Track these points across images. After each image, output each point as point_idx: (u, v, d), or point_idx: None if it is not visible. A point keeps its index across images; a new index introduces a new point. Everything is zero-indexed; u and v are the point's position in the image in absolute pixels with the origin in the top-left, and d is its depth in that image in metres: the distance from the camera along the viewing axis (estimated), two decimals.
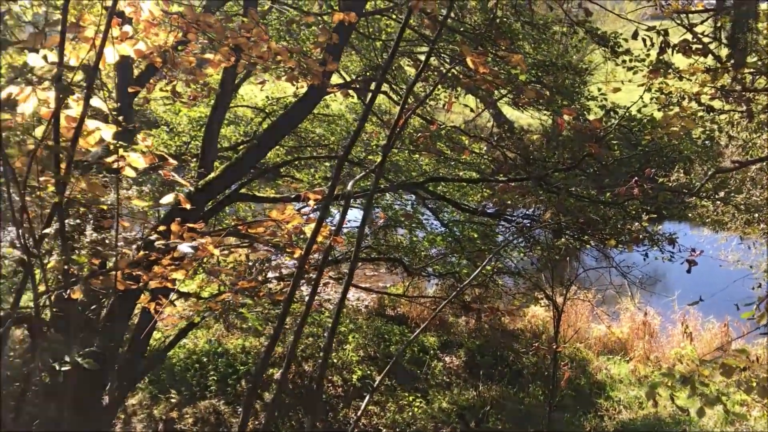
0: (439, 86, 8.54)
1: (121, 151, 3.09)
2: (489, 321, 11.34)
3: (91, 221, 6.52)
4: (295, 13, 9.07)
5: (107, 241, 6.72)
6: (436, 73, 8.29)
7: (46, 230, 2.92)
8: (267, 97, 11.24)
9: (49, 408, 4.31)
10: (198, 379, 8.93)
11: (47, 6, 8.57)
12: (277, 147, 9.79)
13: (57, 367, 2.77)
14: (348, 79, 11.04)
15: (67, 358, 2.79)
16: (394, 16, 8.89)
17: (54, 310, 4.11)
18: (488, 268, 8.36)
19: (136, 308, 7.07)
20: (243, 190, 8.46)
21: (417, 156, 9.72)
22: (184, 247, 3.36)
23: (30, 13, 8.24)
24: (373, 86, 10.16)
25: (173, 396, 8.55)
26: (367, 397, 4.31)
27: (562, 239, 8.58)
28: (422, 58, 11.02)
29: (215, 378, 8.96)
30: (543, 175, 7.68)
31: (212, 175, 7.22)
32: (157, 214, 7.80)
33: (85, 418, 6.43)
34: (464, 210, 8.38)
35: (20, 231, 3.02)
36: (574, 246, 8.92)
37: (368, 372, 9.66)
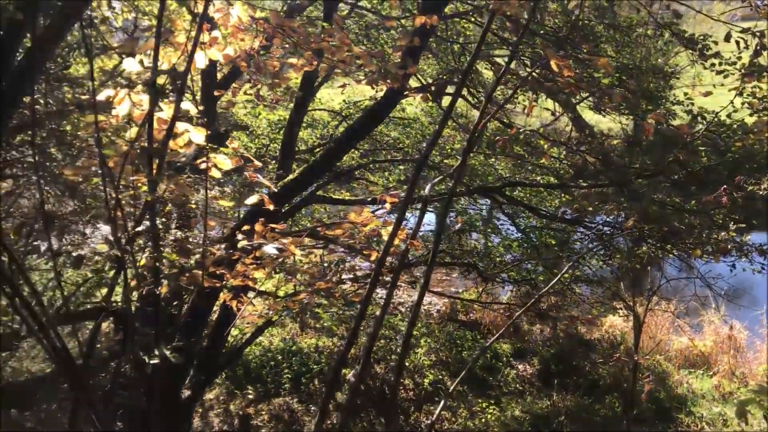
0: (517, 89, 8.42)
1: (211, 153, 3.19)
2: (564, 329, 11.10)
3: (175, 220, 6.76)
4: (373, 17, 9.13)
5: (191, 240, 6.94)
6: (514, 76, 8.18)
7: (139, 228, 3.04)
8: (344, 100, 11.37)
9: (135, 399, 4.48)
10: (273, 377, 9.12)
11: (136, 12, 8.95)
12: (352, 150, 9.89)
13: (147, 360, 2.87)
14: (424, 82, 11.04)
15: (156, 352, 2.90)
16: (472, 19, 8.83)
17: (140, 305, 4.27)
18: (566, 275, 8.18)
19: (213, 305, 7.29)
20: (319, 192, 8.58)
21: (492, 160, 9.62)
22: (270, 248, 3.44)
23: (120, 19, 8.63)
24: (448, 89, 10.12)
25: (249, 392, 8.75)
26: (442, 403, 4.30)
27: (644, 248, 8.30)
28: (500, 60, 10.90)
29: (289, 376, 9.12)
30: (625, 181, 7.47)
31: (290, 176, 7.36)
32: (237, 213, 8.02)
33: (166, 411, 6.66)
34: (541, 216, 8.24)
35: (114, 228, 3.15)
36: (656, 255, 8.62)
37: (440, 376, 9.62)
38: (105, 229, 8.83)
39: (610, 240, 8.18)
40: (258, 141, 11.17)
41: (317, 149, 11.26)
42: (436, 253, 4.38)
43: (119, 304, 3.88)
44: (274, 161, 8.69)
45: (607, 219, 8.69)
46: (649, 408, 9.31)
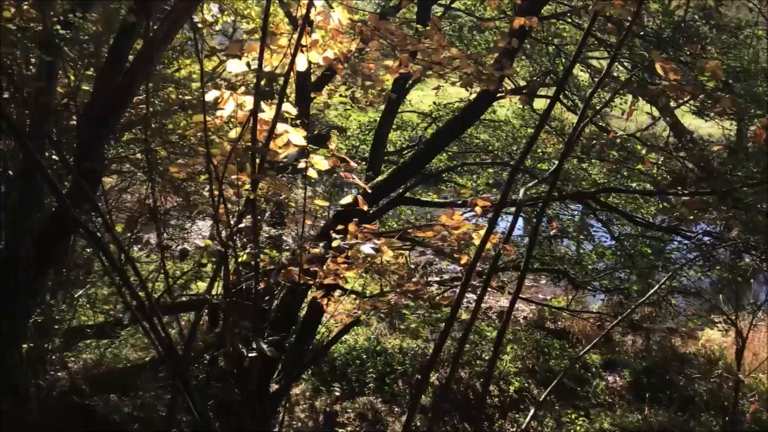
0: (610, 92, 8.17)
1: (312, 155, 3.26)
2: (659, 342, 10.67)
3: (267, 218, 6.94)
4: (467, 18, 9.10)
5: (283, 237, 7.10)
6: (611, 78, 7.94)
7: (241, 224, 3.15)
8: (434, 102, 11.37)
9: (228, 391, 4.63)
10: (357, 376, 9.21)
11: (236, 16, 9.25)
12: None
13: (245, 353, 2.97)
14: (515, 84, 10.89)
15: (253, 345, 2.98)
16: (569, 20, 8.63)
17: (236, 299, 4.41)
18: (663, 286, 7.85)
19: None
20: (407, 194, 8.61)
21: (586, 164, 9.39)
22: (366, 248, 3.48)
23: (220, 22, 8.95)
24: (540, 91, 9.94)
25: (334, 389, 8.87)
26: (531, 412, 4.21)
27: (747, 260, 7.87)
28: (595, 63, 10.61)
29: (373, 375, 9.19)
30: (728, 189, 7.10)
31: (380, 177, 7.43)
32: (327, 213, 8.16)
33: (255, 404, 6.85)
34: (637, 223, 7.94)
35: (216, 224, 3.28)
36: (761, 267, 8.15)
37: (526, 384, 9.44)
38: (200, 224, 9.12)
39: (710, 251, 7.79)
40: (348, 142, 11.34)
41: (405, 151, 11.30)
42: (529, 258, 4.31)
43: (216, 297, 4.02)
44: (363, 162, 8.79)
45: (708, 228, 8.30)
46: (752, 429, 8.81)
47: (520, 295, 10.97)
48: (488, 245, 4.12)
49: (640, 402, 9.53)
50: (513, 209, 5.93)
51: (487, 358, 9.54)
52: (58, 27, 4.35)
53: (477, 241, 4.32)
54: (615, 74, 8.92)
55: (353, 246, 3.65)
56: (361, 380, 9.16)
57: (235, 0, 8.81)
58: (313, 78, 7.77)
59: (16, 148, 5.25)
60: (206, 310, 6.14)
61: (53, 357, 5.26)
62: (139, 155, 5.85)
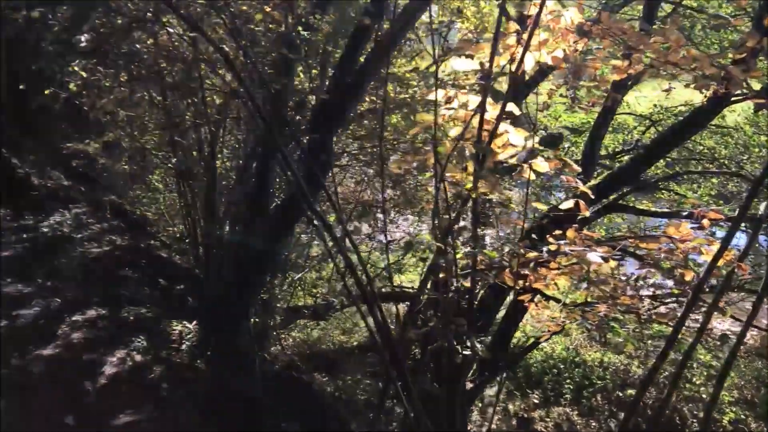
0: None
1: (536, 158, 3.20)
2: None
3: (470, 217, 6.94)
4: (700, 15, 8.43)
5: (486, 238, 7.07)
6: None
7: (461, 223, 3.17)
8: (654, 104, 10.67)
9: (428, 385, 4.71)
10: (553, 385, 8.96)
11: (451, 15, 9.37)
12: None
13: (460, 350, 2.99)
14: (748, 86, 9.87)
15: (467, 343, 3.00)
16: None
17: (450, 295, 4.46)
18: None
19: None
20: (621, 201, 8.17)
21: None
22: (594, 257, 3.35)
23: (436, 22, 9.11)
24: None
25: (531, 396, 8.71)
26: None
27: None
28: None
29: (570, 387, 8.88)
30: None
31: (592, 182, 7.12)
32: (533, 215, 7.99)
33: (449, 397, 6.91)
34: None
35: (437, 220, 3.34)
36: None
37: (742, 416, 8.57)
38: (401, 220, 9.33)
39: None
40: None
41: (619, 155, 10.74)
42: None
43: (429, 291, 4.09)
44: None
45: None
46: None
47: (739, 319, 9.98)
48: (720, 262, 3.80)
49: None
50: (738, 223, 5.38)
51: (697, 382, 8.81)
52: (300, 28, 4.69)
53: (706, 257, 4.01)
54: None
55: (575, 252, 3.52)
56: (557, 390, 8.90)
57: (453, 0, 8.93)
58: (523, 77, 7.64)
59: (250, 142, 5.76)
60: (411, 305, 6.29)
61: (274, 333, 5.70)
62: (358, 150, 6.13)
